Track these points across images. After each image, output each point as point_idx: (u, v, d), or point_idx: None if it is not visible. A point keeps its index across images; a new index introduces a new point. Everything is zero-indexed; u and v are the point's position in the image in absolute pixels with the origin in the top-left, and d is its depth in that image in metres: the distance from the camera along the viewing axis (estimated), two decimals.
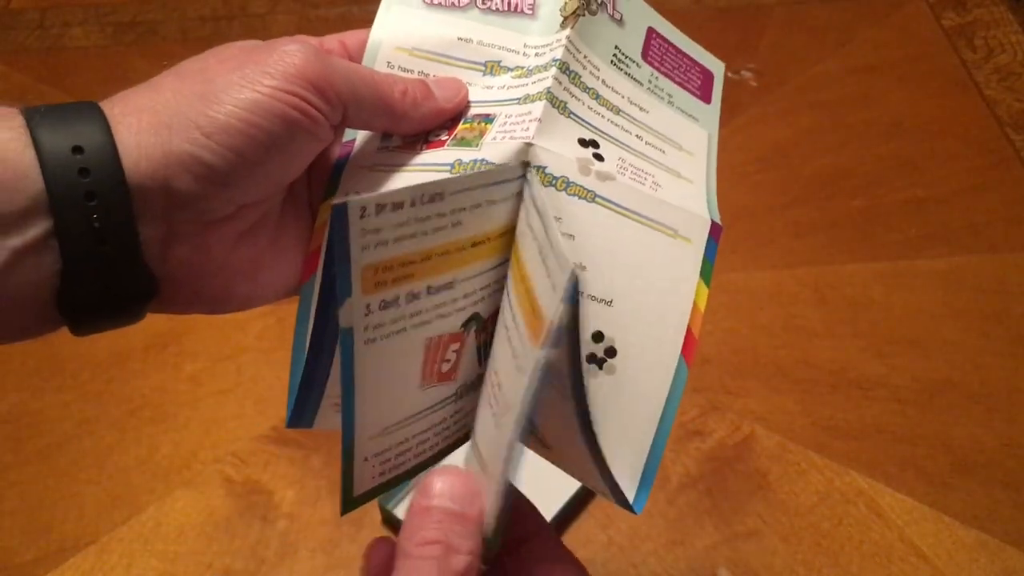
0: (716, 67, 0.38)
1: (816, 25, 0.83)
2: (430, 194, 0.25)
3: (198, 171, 0.25)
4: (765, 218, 0.69)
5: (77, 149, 0.24)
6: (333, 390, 0.30)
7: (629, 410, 0.29)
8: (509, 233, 0.29)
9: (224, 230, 0.27)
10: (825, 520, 0.53)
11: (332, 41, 0.31)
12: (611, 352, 0.29)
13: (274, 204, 0.29)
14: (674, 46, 0.36)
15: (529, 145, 0.28)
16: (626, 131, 0.32)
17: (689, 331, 0.29)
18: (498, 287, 0.29)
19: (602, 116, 0.32)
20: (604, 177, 0.29)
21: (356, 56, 0.32)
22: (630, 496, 0.28)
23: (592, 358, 0.29)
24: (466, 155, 0.29)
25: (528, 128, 0.29)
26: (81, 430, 0.58)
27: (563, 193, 0.29)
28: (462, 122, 0.31)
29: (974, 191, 0.70)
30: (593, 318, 0.29)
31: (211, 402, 0.59)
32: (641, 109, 0.33)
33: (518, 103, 0.30)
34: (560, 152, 0.29)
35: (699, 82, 0.36)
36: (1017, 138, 0.74)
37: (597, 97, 0.32)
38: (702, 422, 0.58)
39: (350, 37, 0.32)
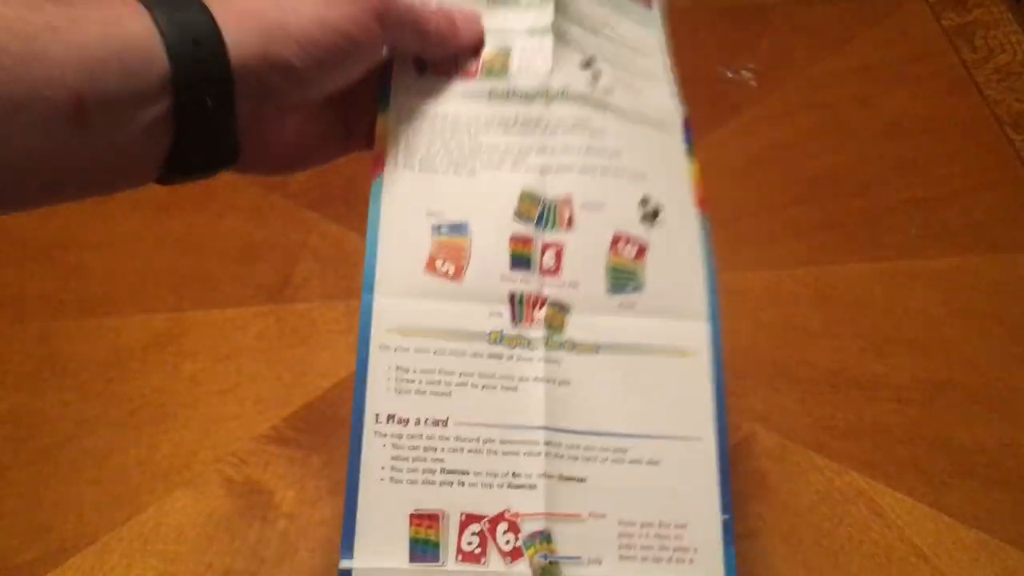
0: None
1: (816, 25, 0.83)
2: None
3: (286, 71, 0.31)
4: (765, 218, 0.69)
5: (196, 42, 0.29)
6: None
7: (684, 245, 0.37)
8: None
9: (290, 114, 0.35)
10: (825, 520, 0.53)
11: None
12: (657, 211, 0.37)
13: (323, 99, 0.36)
14: None
15: (549, 74, 0.37)
16: (608, 45, 0.40)
17: (698, 193, 0.38)
18: None
19: (589, 39, 0.40)
20: (608, 90, 0.38)
21: None
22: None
23: (646, 217, 0.37)
24: (499, 84, 0.37)
25: (546, 59, 0.37)
26: (81, 430, 0.58)
27: (586, 107, 0.38)
28: (485, 50, 0.38)
29: (974, 191, 0.70)
30: (639, 188, 0.37)
31: (211, 402, 0.59)
32: (612, 27, 0.41)
33: (528, 35, 0.38)
34: (572, 78, 0.38)
35: None
36: (1017, 138, 0.74)
37: (582, 23, 0.40)
38: None
39: None
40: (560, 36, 0.38)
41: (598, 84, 0.38)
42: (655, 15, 0.43)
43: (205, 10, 0.30)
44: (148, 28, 0.28)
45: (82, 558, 0.52)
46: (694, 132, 0.40)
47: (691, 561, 0.33)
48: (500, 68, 0.37)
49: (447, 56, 0.38)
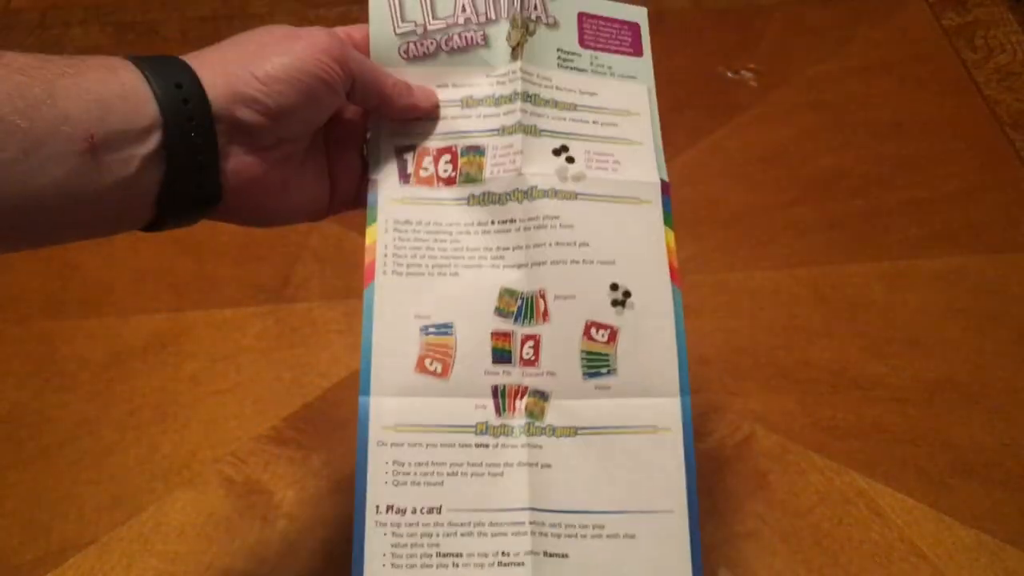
0: (640, 16, 0.45)
1: (816, 25, 0.83)
2: None
3: (256, 107, 0.34)
4: (765, 218, 0.69)
5: (178, 85, 0.33)
6: None
7: (654, 323, 0.39)
8: None
9: (267, 154, 0.36)
10: (825, 520, 0.53)
11: (341, 32, 0.40)
12: (627, 294, 0.39)
13: (300, 145, 0.39)
14: (601, 17, 0.44)
15: (520, 175, 0.39)
16: (584, 122, 0.41)
17: (670, 264, 0.39)
18: None
19: (564, 119, 0.41)
20: (578, 177, 0.40)
21: (362, 46, 0.41)
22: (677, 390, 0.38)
23: (616, 302, 0.38)
24: (476, 189, 0.40)
25: (515, 160, 0.39)
26: (81, 430, 0.58)
27: (555, 200, 0.39)
28: (460, 155, 0.40)
29: (974, 191, 0.70)
30: (607, 275, 0.39)
31: (211, 402, 0.59)
32: (591, 95, 0.42)
33: (499, 134, 0.40)
34: (542, 171, 0.39)
35: (629, 39, 0.44)
36: (1017, 138, 0.74)
37: (556, 104, 0.41)
38: (702, 422, 0.58)
39: (356, 32, 0.41)
40: (529, 131, 0.40)
41: (569, 173, 0.39)
42: (645, 62, 0.44)
43: (182, 62, 0.34)
44: (138, 75, 0.33)
45: (82, 558, 0.52)
46: (672, 198, 0.41)
47: None
48: (476, 172, 0.40)
49: (400, 113, 0.40)
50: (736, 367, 0.60)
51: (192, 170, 0.34)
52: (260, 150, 0.36)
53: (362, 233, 0.40)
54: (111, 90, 0.32)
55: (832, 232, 0.68)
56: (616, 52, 0.43)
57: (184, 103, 0.33)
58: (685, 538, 0.36)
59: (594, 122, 0.42)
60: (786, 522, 0.53)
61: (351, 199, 0.42)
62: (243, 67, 0.34)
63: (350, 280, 0.65)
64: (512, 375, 0.38)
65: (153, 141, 0.32)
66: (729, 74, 0.79)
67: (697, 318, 0.63)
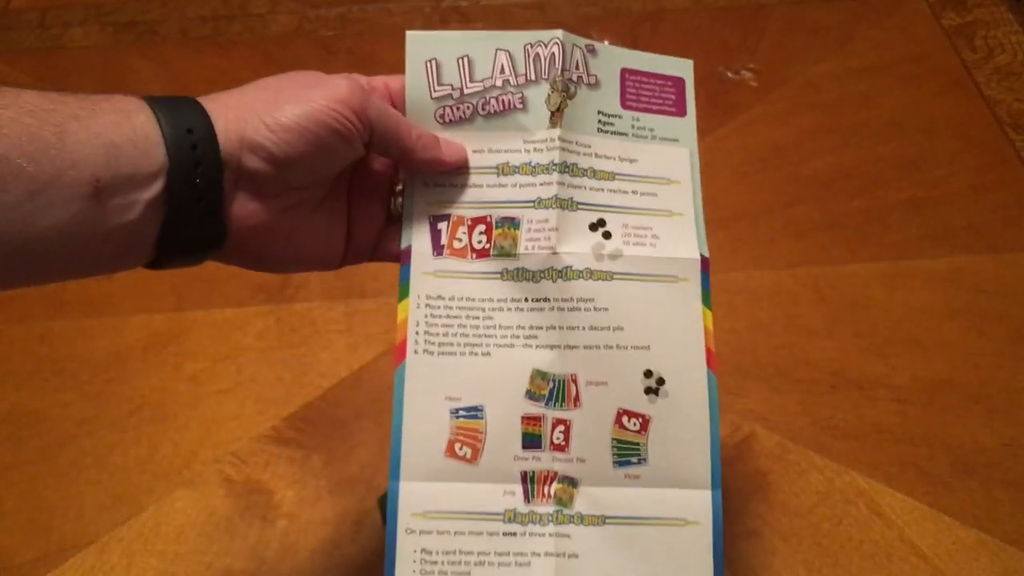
0: (685, 70, 0.43)
1: (816, 25, 0.83)
2: None
3: (262, 154, 0.34)
4: (765, 218, 0.69)
5: (189, 131, 0.33)
6: None
7: (688, 413, 0.38)
8: None
9: (273, 201, 0.36)
10: (825, 520, 0.53)
11: (378, 80, 0.40)
12: (661, 381, 0.38)
13: (315, 192, 0.37)
14: (645, 73, 0.42)
15: (555, 254, 0.38)
16: (623, 192, 0.40)
17: (707, 348, 0.38)
18: None
19: (602, 189, 0.40)
20: (614, 256, 0.39)
21: (396, 96, 0.40)
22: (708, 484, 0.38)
23: (649, 390, 0.38)
24: (510, 264, 0.39)
25: (550, 237, 0.38)
26: (81, 430, 0.58)
27: (590, 281, 0.38)
28: (495, 227, 0.39)
29: (974, 191, 0.70)
30: (641, 361, 0.38)
31: (211, 402, 0.59)
32: (631, 161, 0.41)
33: (534, 207, 0.39)
34: (577, 250, 0.38)
35: (673, 98, 0.42)
36: (1017, 138, 0.74)
37: (594, 175, 0.40)
38: None
39: (393, 81, 0.40)
40: (566, 205, 0.39)
41: (605, 251, 0.39)
42: (688, 123, 0.42)
43: (198, 104, 0.34)
44: (151, 118, 0.32)
45: (82, 558, 0.52)
46: (711, 271, 0.39)
47: None
48: (510, 246, 0.39)
49: (425, 167, 0.39)
50: (736, 367, 0.60)
51: (194, 215, 0.33)
52: (266, 197, 0.35)
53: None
54: (123, 134, 0.31)
55: (832, 232, 0.68)
56: (659, 112, 0.42)
57: (193, 148, 0.33)
58: None
59: (633, 192, 0.40)
60: (786, 522, 0.53)
61: (368, 251, 0.41)
62: (257, 113, 0.34)
63: (350, 280, 0.65)
64: (542, 460, 0.37)
65: (158, 186, 0.32)
66: (729, 74, 0.79)
67: None
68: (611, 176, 0.40)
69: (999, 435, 0.57)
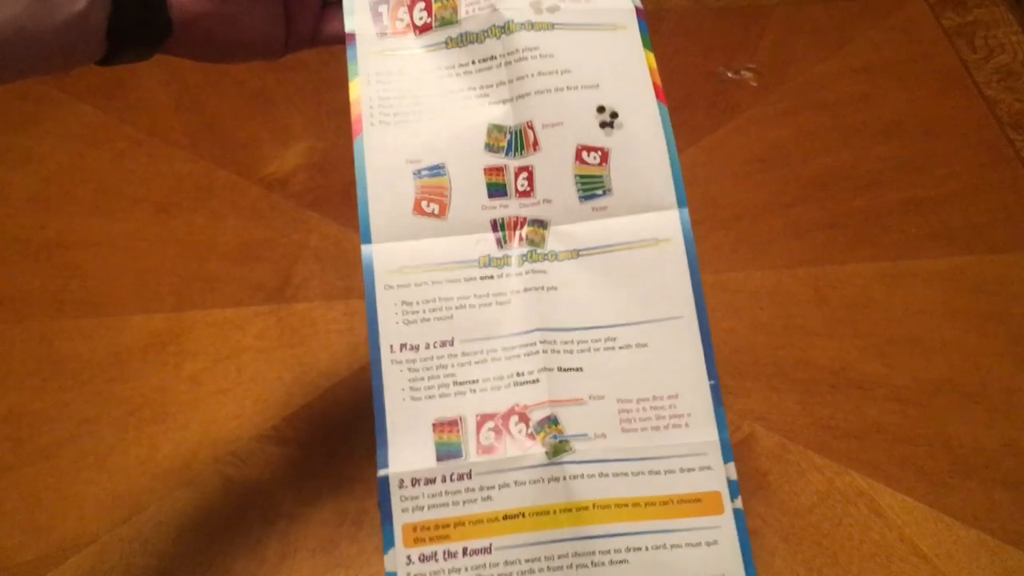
0: None
1: (816, 25, 0.83)
2: (459, 473, 0.36)
3: None
4: (765, 218, 0.69)
5: None
6: None
7: (645, 140, 0.39)
8: (546, 514, 0.36)
9: None
10: (825, 520, 0.53)
11: None
12: (614, 115, 0.39)
13: None
14: None
15: (495, 11, 0.39)
16: None
17: (655, 83, 0.40)
18: (548, 565, 0.36)
19: None
20: (552, 8, 0.40)
21: None
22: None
23: (604, 124, 0.39)
24: (453, 31, 0.40)
25: None
26: (81, 430, 0.58)
27: (532, 32, 0.39)
28: (435, 2, 0.40)
29: (974, 191, 0.70)
30: (592, 98, 0.39)
31: (211, 402, 0.59)
32: None
33: None
34: (517, 5, 0.39)
35: None
36: (1017, 138, 0.74)
37: None
38: None
39: None
40: None
41: (543, 5, 0.40)
42: None
43: None
44: None
45: (82, 558, 0.52)
46: (648, 23, 0.41)
47: (687, 425, 0.37)
48: (451, 15, 0.40)
49: None
50: (736, 367, 0.60)
51: (139, 3, 0.36)
52: None
53: None
54: None
55: (832, 232, 0.68)
56: None
57: None
58: (697, 340, 0.38)
59: None
60: (786, 522, 0.53)
61: (307, 38, 0.43)
62: None
63: (350, 280, 0.65)
64: (509, 207, 0.39)
65: None
66: (729, 74, 0.79)
67: None
68: None
69: (999, 435, 0.57)
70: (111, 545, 0.53)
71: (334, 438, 0.57)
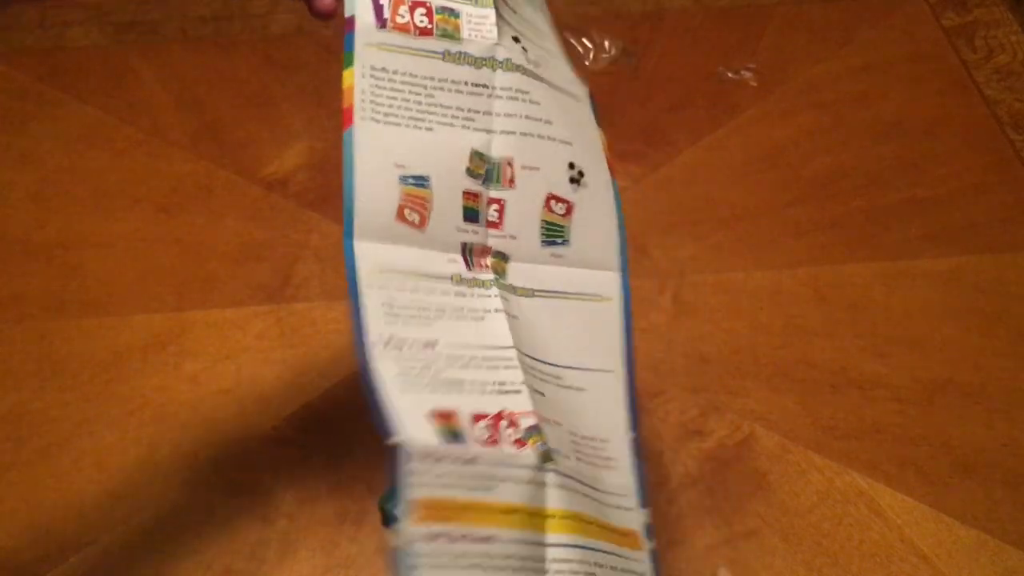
0: None
1: (816, 25, 0.83)
2: (466, 458, 0.35)
3: None
4: (765, 218, 0.69)
5: None
6: None
7: (601, 205, 0.42)
8: (537, 516, 0.36)
9: None
10: (825, 520, 0.53)
11: None
12: (581, 174, 0.42)
13: None
14: None
15: (497, 44, 0.40)
16: (525, 25, 0.44)
17: (607, 160, 0.43)
18: (534, 571, 0.36)
19: (513, 16, 0.43)
20: (536, 64, 0.42)
21: None
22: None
23: (573, 180, 0.42)
24: (453, 46, 0.40)
25: (492, 29, 0.41)
26: (81, 430, 0.58)
27: (526, 76, 0.41)
28: (436, 12, 0.41)
29: (974, 191, 0.70)
30: (566, 154, 0.42)
31: (211, 402, 0.59)
32: (521, 10, 0.44)
33: (472, 4, 0.41)
34: (510, 47, 0.41)
35: None
36: (1017, 138, 0.74)
37: (507, 2, 0.43)
38: (702, 422, 0.58)
39: None
40: (498, 11, 0.42)
41: (528, 56, 0.42)
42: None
43: None
44: None
45: (82, 558, 0.52)
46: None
47: (613, 468, 0.39)
48: (453, 31, 0.41)
49: None
50: (736, 367, 0.60)
51: None
52: None
53: None
54: None
55: (832, 232, 0.68)
56: None
57: None
58: (623, 395, 0.40)
59: (529, 30, 0.44)
60: (786, 522, 0.53)
61: None
62: None
63: None
64: (479, 235, 0.40)
65: None
66: (729, 74, 0.79)
67: (697, 318, 0.63)
68: (514, 11, 0.44)
69: (999, 435, 0.57)
70: (111, 545, 0.53)
71: (334, 438, 0.57)
